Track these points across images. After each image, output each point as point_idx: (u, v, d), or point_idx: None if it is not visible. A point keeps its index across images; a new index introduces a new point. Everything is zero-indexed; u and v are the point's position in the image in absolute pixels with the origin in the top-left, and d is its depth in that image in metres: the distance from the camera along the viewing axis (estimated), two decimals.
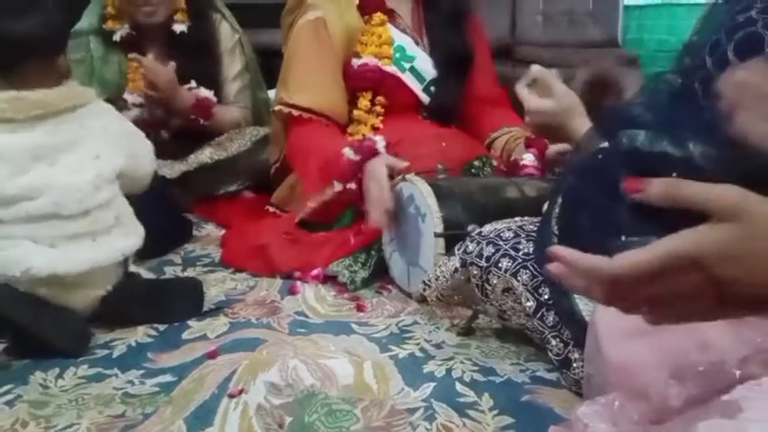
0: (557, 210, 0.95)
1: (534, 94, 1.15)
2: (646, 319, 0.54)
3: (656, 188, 0.51)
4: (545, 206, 1.00)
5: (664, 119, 0.81)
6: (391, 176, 1.35)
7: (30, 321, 1.05)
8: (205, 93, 1.80)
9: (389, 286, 1.39)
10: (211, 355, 1.05)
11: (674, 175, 0.69)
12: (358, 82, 1.60)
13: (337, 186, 1.40)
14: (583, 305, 0.92)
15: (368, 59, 1.59)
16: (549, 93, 1.13)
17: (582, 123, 1.09)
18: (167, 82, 1.71)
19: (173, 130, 1.83)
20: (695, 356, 0.63)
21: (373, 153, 1.38)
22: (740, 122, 0.51)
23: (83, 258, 1.11)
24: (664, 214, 0.67)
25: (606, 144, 0.90)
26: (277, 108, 1.61)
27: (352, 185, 1.39)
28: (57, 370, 1.02)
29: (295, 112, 1.56)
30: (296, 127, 1.58)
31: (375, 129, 1.59)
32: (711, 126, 0.78)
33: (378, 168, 1.35)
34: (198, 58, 1.84)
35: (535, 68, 1.18)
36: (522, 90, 1.16)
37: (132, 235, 1.22)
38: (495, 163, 1.55)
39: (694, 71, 0.83)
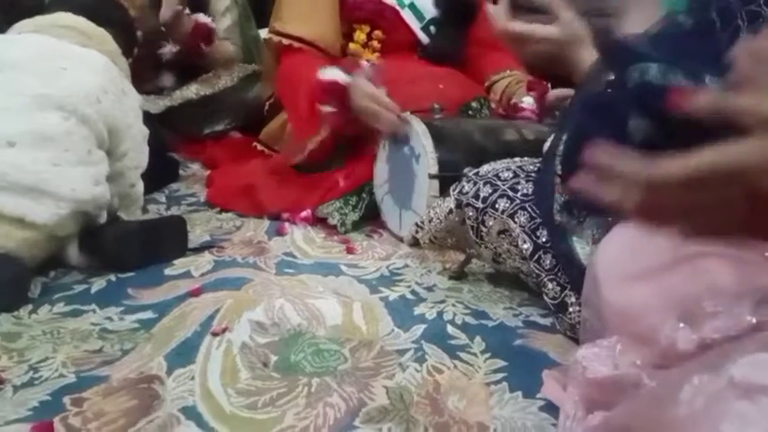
0: (560, 149, 0.90)
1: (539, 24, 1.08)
2: (678, 232, 0.50)
3: (705, 99, 0.47)
4: (546, 144, 0.95)
5: (678, 50, 0.76)
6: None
7: None
8: (204, 18, 1.73)
9: (380, 230, 1.35)
10: (195, 293, 1.01)
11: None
12: (355, 12, 1.54)
13: (325, 109, 1.34)
14: (581, 248, 0.88)
15: None
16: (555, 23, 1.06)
17: (588, 55, 1.03)
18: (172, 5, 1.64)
19: (167, 58, 1.75)
20: (706, 300, 0.59)
21: (356, 72, 1.33)
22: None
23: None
24: (673, 151, 0.63)
25: (614, 78, 0.85)
26: (268, 37, 1.54)
27: (335, 111, 1.34)
28: (30, 306, 0.97)
29: (286, 41, 1.49)
30: (287, 57, 1.51)
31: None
32: (729, 58, 0.74)
33: (363, 84, 1.30)
34: None
35: None
36: (518, 24, 1.09)
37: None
38: (493, 105, 1.49)
39: (711, 2, 0.78)
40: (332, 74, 1.34)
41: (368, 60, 1.51)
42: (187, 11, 1.73)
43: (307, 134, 1.43)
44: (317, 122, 1.38)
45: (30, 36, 1.17)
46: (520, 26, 1.06)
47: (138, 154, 1.23)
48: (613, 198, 0.47)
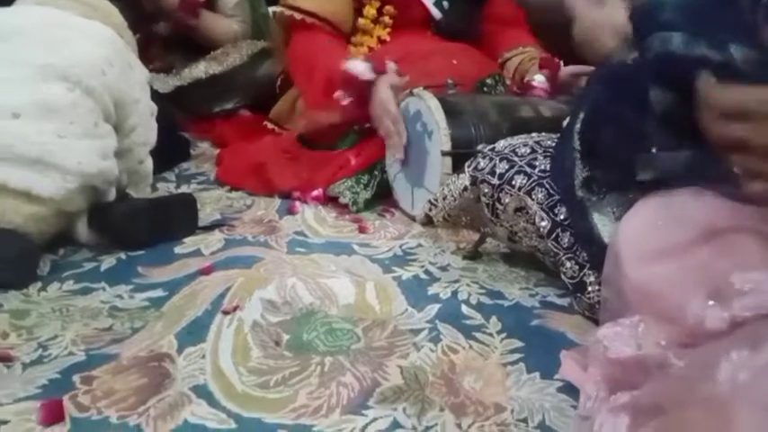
0: (579, 124, 0.88)
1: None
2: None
3: None
4: (566, 121, 0.92)
5: (701, 19, 0.73)
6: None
7: None
8: None
9: (393, 209, 1.33)
10: (205, 271, 1.00)
11: (713, 81, 0.61)
12: None
13: (343, 100, 1.32)
14: (602, 226, 0.86)
15: None
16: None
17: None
18: None
19: (161, 34, 1.72)
20: (736, 278, 0.57)
21: (381, 72, 1.30)
22: None
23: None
24: (694, 123, 0.60)
25: (636, 45, 0.82)
26: (279, 10, 1.51)
27: (352, 101, 1.31)
28: (39, 283, 0.96)
29: (297, 16, 1.46)
30: (298, 33, 1.48)
31: (381, 41, 1.50)
32: (754, 27, 0.70)
33: (384, 94, 1.27)
34: None
35: None
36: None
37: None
38: (508, 83, 1.46)
39: None
40: (358, 67, 1.31)
41: (372, 38, 1.49)
42: None
43: (323, 111, 1.41)
44: (331, 105, 1.36)
45: (33, 7, 1.15)
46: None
47: (146, 130, 1.21)
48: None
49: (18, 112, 1.01)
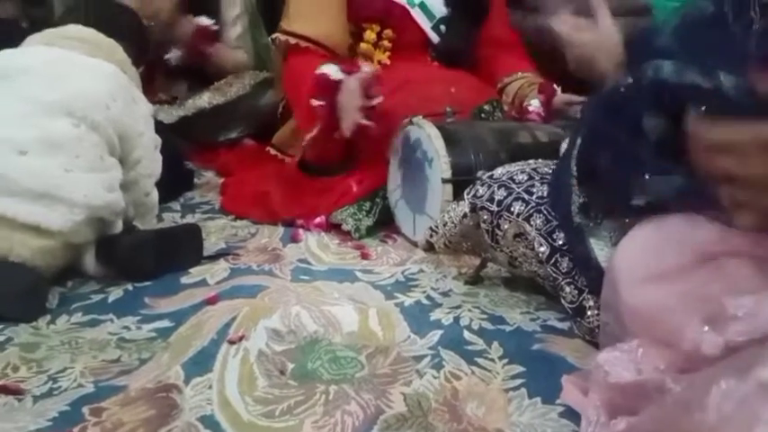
0: (575, 151, 0.90)
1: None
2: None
3: None
4: (562, 147, 0.94)
5: (691, 47, 0.75)
6: (368, 97, 1.29)
7: None
8: (206, 21, 1.73)
9: (394, 235, 1.35)
10: (211, 301, 1.01)
11: (704, 108, 0.63)
12: (364, 11, 1.53)
13: (317, 103, 1.33)
14: (599, 251, 0.87)
15: None
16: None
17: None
18: (167, 9, 1.64)
19: (173, 63, 1.76)
20: (730, 302, 0.58)
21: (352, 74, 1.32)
22: None
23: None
24: (688, 150, 0.62)
25: (631, 73, 0.84)
26: (275, 36, 1.54)
27: (323, 104, 1.33)
28: (48, 316, 0.98)
29: (292, 40, 1.48)
30: (293, 57, 1.51)
31: (382, 65, 1.53)
32: (744, 54, 0.72)
33: (350, 85, 1.29)
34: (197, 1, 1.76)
35: None
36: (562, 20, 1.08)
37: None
38: (505, 108, 1.49)
39: None
40: (326, 68, 1.33)
41: (373, 62, 1.51)
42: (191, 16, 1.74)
43: (307, 130, 1.43)
44: (314, 118, 1.38)
45: (39, 47, 1.19)
46: (560, 27, 1.06)
47: (150, 162, 1.24)
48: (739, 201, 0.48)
49: (25, 149, 1.04)
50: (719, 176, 0.53)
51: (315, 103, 1.33)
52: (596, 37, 1.03)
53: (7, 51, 1.18)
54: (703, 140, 0.54)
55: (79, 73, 1.14)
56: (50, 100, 1.08)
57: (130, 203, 1.20)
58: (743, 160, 0.50)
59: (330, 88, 1.31)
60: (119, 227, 1.16)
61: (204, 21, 1.74)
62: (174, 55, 1.74)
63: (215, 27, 1.77)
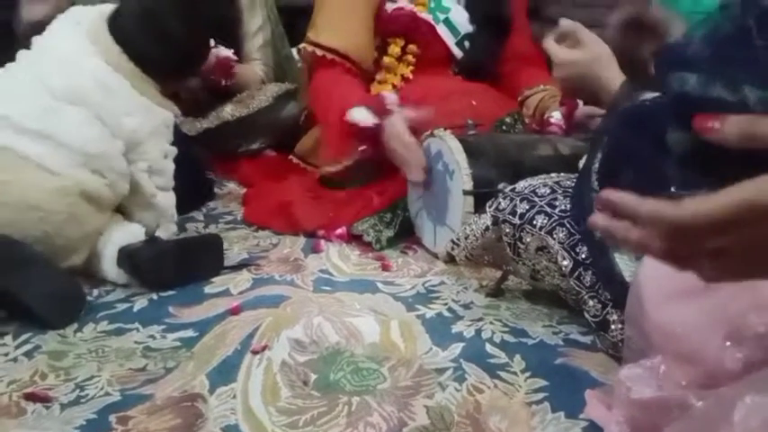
0: (597, 164, 0.90)
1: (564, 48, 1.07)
2: (704, 275, 0.49)
3: (732, 126, 0.45)
4: (583, 160, 0.94)
5: (716, 60, 0.75)
6: (415, 130, 1.31)
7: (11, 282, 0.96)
8: (225, 52, 1.74)
9: (415, 246, 1.35)
10: (234, 311, 1.03)
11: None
12: (390, 26, 1.55)
13: (359, 148, 1.37)
14: (623, 264, 0.87)
15: (403, 4, 1.56)
16: (579, 46, 1.05)
17: (614, 74, 1.01)
18: None
19: (190, 92, 1.77)
20: (753, 318, 0.58)
21: (385, 112, 1.34)
22: None
23: None
24: (714, 166, 0.62)
25: (649, 93, 0.84)
26: (302, 46, 1.56)
27: (366, 147, 1.36)
28: (75, 325, 1.00)
29: (319, 52, 1.51)
30: (320, 69, 1.53)
31: (405, 79, 1.55)
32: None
33: (397, 127, 1.31)
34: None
35: (564, 22, 1.10)
36: (550, 43, 1.08)
37: None
38: (526, 120, 1.49)
39: (748, 7, 0.76)
40: (361, 116, 1.35)
41: (396, 76, 1.53)
42: (211, 42, 1.74)
43: (339, 153, 1.44)
44: (345, 147, 1.40)
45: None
46: (548, 46, 1.06)
47: (150, 162, 1.24)
48: (632, 241, 0.46)
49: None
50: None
51: (357, 148, 1.37)
52: (585, 55, 1.02)
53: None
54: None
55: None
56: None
57: (137, 207, 1.23)
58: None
59: (370, 137, 1.34)
60: (140, 234, 1.17)
61: (223, 52, 1.74)
62: (192, 83, 1.75)
63: (235, 60, 1.77)
